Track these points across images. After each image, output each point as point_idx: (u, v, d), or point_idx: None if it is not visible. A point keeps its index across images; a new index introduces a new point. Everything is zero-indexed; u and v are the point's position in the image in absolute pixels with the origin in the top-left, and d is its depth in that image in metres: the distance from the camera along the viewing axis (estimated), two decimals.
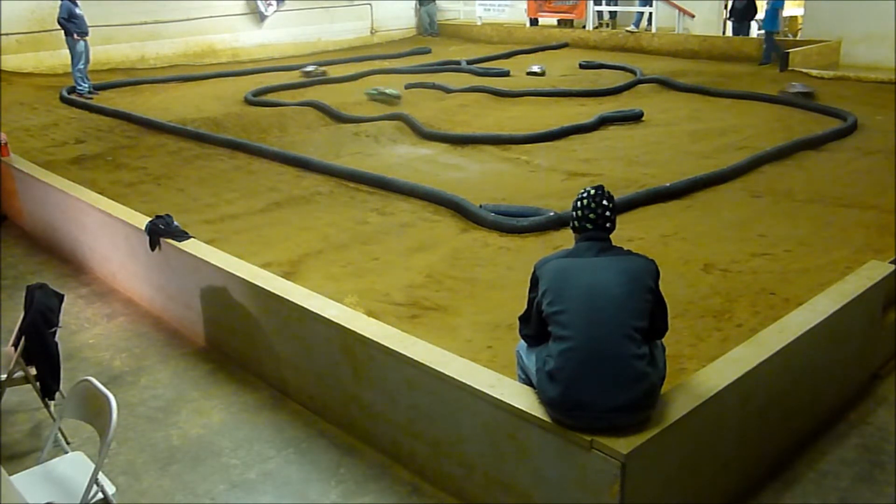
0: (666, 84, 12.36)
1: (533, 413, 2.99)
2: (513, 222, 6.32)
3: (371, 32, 19.27)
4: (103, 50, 14.52)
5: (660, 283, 2.98)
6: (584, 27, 18.18)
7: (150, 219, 5.30)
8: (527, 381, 3.23)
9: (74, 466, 3.17)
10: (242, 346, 4.71)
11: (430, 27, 19.85)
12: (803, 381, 3.72)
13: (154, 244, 5.18)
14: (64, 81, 13.20)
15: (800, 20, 15.94)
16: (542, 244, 5.98)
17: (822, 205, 6.80)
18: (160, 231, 5.14)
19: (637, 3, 17.65)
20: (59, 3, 12.21)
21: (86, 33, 12.45)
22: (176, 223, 5.22)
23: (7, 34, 13.73)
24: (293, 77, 13.95)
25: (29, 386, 4.02)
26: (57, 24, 12.35)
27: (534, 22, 19.36)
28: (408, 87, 12.53)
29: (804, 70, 13.12)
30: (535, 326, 3.09)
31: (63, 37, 12.47)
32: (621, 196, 6.45)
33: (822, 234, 6.10)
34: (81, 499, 2.91)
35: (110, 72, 14.68)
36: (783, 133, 9.22)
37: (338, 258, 5.92)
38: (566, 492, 2.98)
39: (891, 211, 6.44)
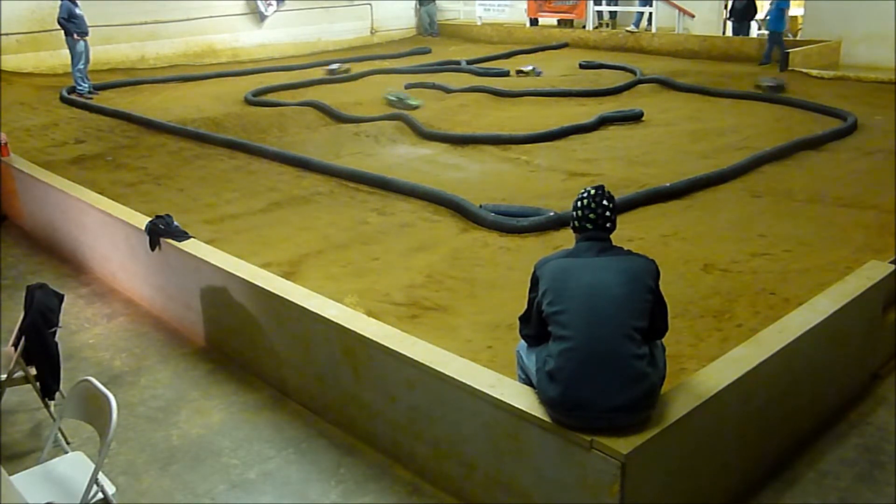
0: (666, 84, 12.36)
1: (533, 413, 2.99)
2: (513, 222, 6.32)
3: (371, 32, 19.27)
4: (103, 50, 14.52)
5: (660, 283, 2.99)
6: (584, 27, 18.19)
7: (150, 219, 5.30)
8: (527, 381, 3.23)
9: (74, 466, 3.17)
10: (242, 346, 4.71)
11: (430, 27, 19.84)
12: (803, 381, 3.72)
13: (154, 244, 5.18)
14: (64, 81, 13.20)
15: (800, 20, 15.94)
16: (542, 244, 5.98)
17: (822, 205, 6.80)
18: (160, 231, 5.14)
19: (637, 3, 17.65)
20: (59, 3, 12.20)
21: (86, 33, 12.45)
22: (176, 223, 5.22)
23: (7, 34, 13.73)
24: (293, 77, 13.94)
25: (29, 386, 4.02)
26: (57, 24, 12.34)
27: (534, 22, 19.36)
28: (408, 87, 12.55)
29: (804, 70, 13.12)
30: (535, 326, 3.09)
31: (63, 37, 12.47)
32: (621, 196, 6.45)
33: (822, 234, 6.10)
34: (81, 499, 2.91)
35: (110, 72, 14.68)
36: (783, 133, 9.21)
37: (338, 258, 5.92)
38: (566, 492, 2.98)
39: (891, 211, 6.44)
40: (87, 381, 3.15)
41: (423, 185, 7.32)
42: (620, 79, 12.87)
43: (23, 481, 3.05)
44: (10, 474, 2.97)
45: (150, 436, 4.09)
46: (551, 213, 6.40)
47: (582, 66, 14.41)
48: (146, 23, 15.48)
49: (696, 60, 14.99)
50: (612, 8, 18.73)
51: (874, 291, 4.08)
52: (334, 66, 14.53)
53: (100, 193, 6.41)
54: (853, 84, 12.40)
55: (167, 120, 10.49)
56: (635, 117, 10.24)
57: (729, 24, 16.36)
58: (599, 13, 18.81)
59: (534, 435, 3.03)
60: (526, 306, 3.16)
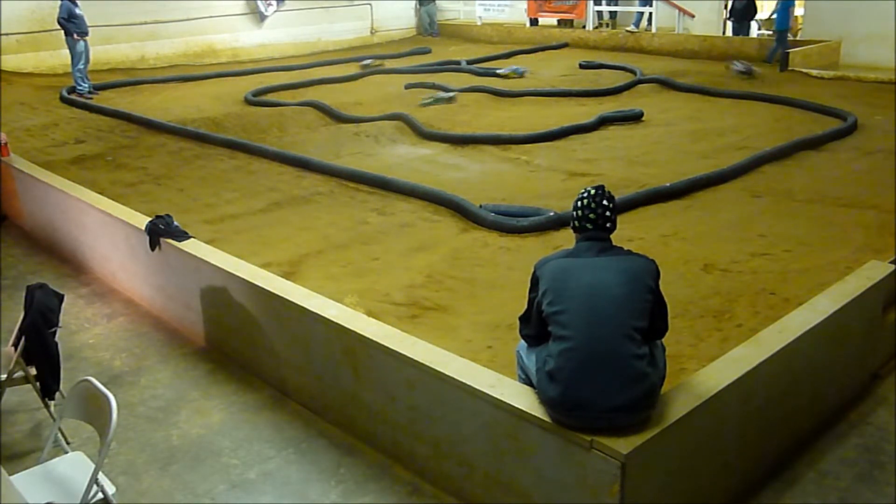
0: (666, 84, 12.35)
1: (533, 413, 2.99)
2: (513, 222, 6.32)
3: (371, 32, 19.27)
4: (103, 50, 14.52)
5: (660, 282, 2.98)
6: (584, 27, 18.18)
7: (150, 219, 5.30)
8: (527, 381, 3.23)
9: (74, 466, 3.17)
10: (242, 346, 4.71)
11: (430, 27, 19.84)
12: (803, 381, 3.72)
13: (154, 244, 5.18)
14: (64, 81, 13.20)
15: (800, 20, 15.94)
16: (542, 244, 5.98)
17: (822, 205, 6.80)
18: (160, 231, 5.14)
19: (637, 3, 17.65)
20: (59, 3, 12.20)
21: (86, 33, 12.45)
22: (176, 223, 5.22)
23: (7, 34, 13.73)
24: (293, 77, 13.95)
25: (29, 386, 4.02)
26: (57, 24, 12.34)
27: (534, 22, 19.36)
28: (408, 87, 12.54)
29: (804, 70, 13.12)
30: (535, 326, 3.09)
31: (63, 37, 12.47)
32: (621, 196, 6.45)
33: (822, 234, 6.10)
34: (81, 499, 2.91)
35: (110, 72, 14.68)
36: (783, 133, 9.21)
37: (338, 258, 5.92)
38: (566, 492, 2.98)
39: (891, 211, 6.44)
40: (87, 381, 3.15)
41: (423, 185, 7.32)
42: (620, 79, 12.87)
43: (23, 481, 3.05)
44: (10, 474, 2.97)
45: (150, 436, 4.09)
46: (551, 213, 6.40)
47: (582, 66, 14.40)
48: (146, 23, 15.48)
49: (696, 60, 14.98)
50: (612, 8, 18.73)
51: (874, 291, 4.08)
52: (368, 61, 15.21)
53: (100, 193, 6.41)
54: (853, 84, 12.40)
55: (167, 120, 10.49)
56: (635, 117, 10.24)
57: (729, 24, 16.36)
58: (599, 13, 18.81)
59: (534, 435, 3.02)
60: (526, 306, 3.16)
